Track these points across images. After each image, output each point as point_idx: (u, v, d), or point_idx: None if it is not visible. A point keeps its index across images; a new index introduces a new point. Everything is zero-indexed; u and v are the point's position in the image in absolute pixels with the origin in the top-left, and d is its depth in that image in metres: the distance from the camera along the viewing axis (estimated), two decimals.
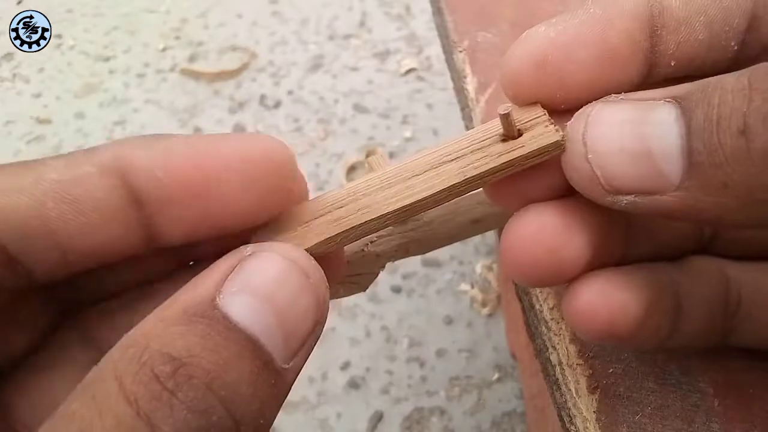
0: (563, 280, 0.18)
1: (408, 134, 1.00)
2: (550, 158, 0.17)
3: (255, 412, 0.13)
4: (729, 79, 0.14)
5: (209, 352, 0.13)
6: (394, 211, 0.17)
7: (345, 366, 0.76)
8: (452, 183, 0.17)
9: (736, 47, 0.17)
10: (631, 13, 0.17)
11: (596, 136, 0.16)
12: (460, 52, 0.33)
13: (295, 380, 0.15)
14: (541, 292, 0.24)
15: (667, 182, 0.15)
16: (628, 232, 0.18)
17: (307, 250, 0.16)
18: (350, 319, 0.79)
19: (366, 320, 0.79)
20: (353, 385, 0.75)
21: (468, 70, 0.32)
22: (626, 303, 0.17)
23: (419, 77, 1.08)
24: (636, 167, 0.15)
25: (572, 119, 0.17)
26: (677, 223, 0.19)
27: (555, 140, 0.17)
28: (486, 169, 0.17)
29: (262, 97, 1.06)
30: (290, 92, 1.07)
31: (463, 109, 0.32)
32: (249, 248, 0.15)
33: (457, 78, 0.33)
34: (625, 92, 0.17)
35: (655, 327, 0.18)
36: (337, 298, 0.22)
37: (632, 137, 0.15)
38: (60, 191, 0.15)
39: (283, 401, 0.15)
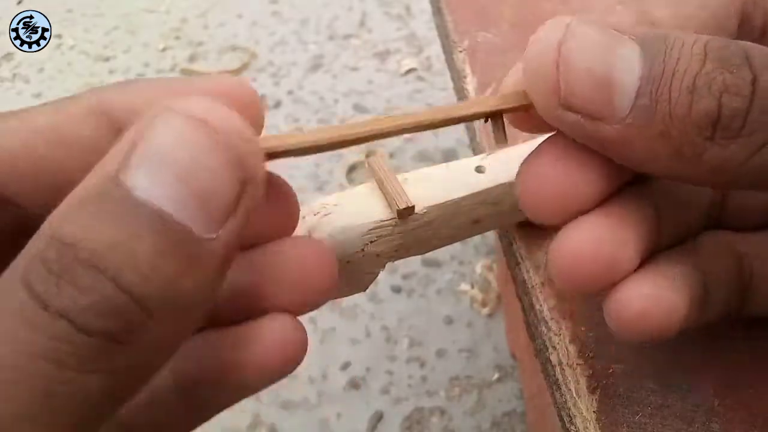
0: (613, 285, 0.18)
1: (408, 134, 1.00)
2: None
3: (163, 290, 0.13)
4: (688, 40, 0.16)
5: (99, 232, 0.12)
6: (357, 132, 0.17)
7: (345, 366, 0.76)
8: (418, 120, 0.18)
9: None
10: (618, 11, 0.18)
11: (571, 48, 0.16)
12: (460, 52, 0.33)
13: (234, 251, 0.14)
14: (541, 292, 0.24)
15: (615, 113, 0.16)
16: (660, 224, 0.19)
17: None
18: (350, 319, 0.79)
19: (366, 320, 0.79)
20: (353, 385, 0.75)
21: (468, 70, 0.32)
22: (675, 304, 0.18)
23: (419, 77, 1.08)
24: (594, 91, 0.16)
25: (548, 24, 0.17)
26: (697, 200, 0.20)
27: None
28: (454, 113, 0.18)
29: (262, 97, 1.06)
30: (290, 92, 1.07)
31: None
32: (149, 113, 0.13)
33: (457, 78, 0.33)
34: None
35: (692, 319, 0.19)
36: (337, 297, 0.22)
37: (601, 62, 0.16)
38: (49, 132, 0.16)
39: (221, 276, 0.14)
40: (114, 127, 0.16)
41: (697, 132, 0.15)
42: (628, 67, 0.16)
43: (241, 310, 0.17)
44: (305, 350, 0.18)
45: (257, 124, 0.16)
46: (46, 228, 0.13)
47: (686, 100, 0.15)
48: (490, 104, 0.18)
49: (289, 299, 0.17)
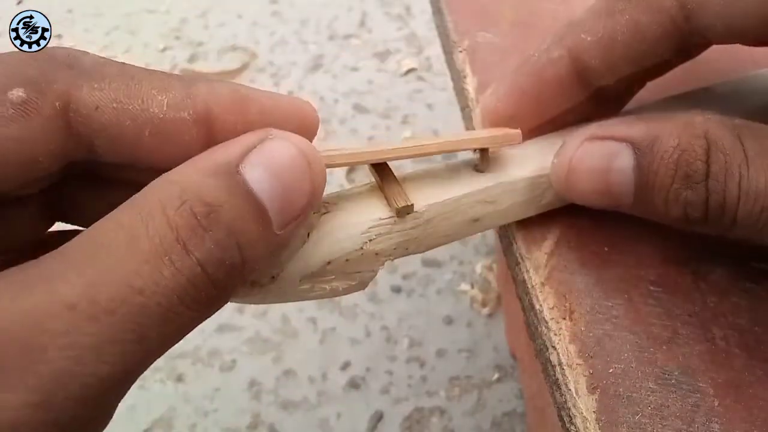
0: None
1: (408, 134, 1.00)
2: None
3: (255, 259, 0.17)
4: (668, 147, 0.20)
5: (231, 206, 0.16)
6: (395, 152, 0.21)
7: (345, 366, 0.76)
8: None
9: (668, 55, 0.22)
10: (557, 63, 0.23)
11: (575, 181, 0.22)
12: (460, 52, 0.33)
13: (283, 247, 0.19)
14: (541, 292, 0.24)
15: (624, 205, 0.22)
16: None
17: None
18: (350, 319, 0.79)
19: (366, 320, 0.79)
20: (353, 385, 0.75)
21: (468, 70, 0.32)
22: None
23: (419, 77, 1.08)
24: (603, 199, 0.22)
25: (557, 157, 0.23)
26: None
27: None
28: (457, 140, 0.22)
29: None
30: (290, 92, 1.07)
31: (463, 109, 0.32)
32: (272, 132, 0.18)
33: (457, 78, 0.33)
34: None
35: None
36: (336, 296, 0.22)
37: (600, 184, 0.22)
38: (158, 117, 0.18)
39: (267, 259, 0.18)
40: (199, 113, 0.18)
41: (679, 223, 0.21)
42: (624, 179, 0.21)
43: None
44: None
45: (314, 135, 0.21)
46: (178, 178, 0.16)
47: (663, 208, 0.21)
48: (483, 141, 0.23)
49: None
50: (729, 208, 0.20)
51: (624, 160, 0.21)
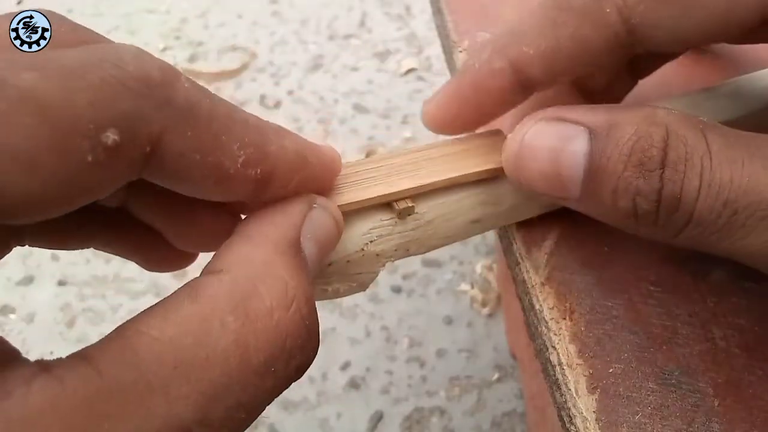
0: None
1: (408, 134, 1.00)
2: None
3: (302, 309, 0.17)
4: (624, 134, 0.19)
5: (300, 281, 0.17)
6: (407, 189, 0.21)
7: (345, 366, 0.76)
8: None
9: (610, 65, 0.22)
10: (498, 75, 0.22)
11: (526, 158, 0.21)
12: (460, 52, 0.33)
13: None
14: (541, 292, 0.24)
15: (570, 197, 0.21)
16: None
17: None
18: (350, 319, 0.79)
19: (366, 320, 0.79)
20: (353, 385, 0.75)
21: None
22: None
23: (419, 77, 1.08)
24: (550, 186, 0.21)
25: (511, 136, 0.22)
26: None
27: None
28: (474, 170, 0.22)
29: (262, 97, 1.06)
30: (290, 92, 1.07)
31: None
32: (317, 201, 0.19)
33: None
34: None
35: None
36: (337, 297, 0.22)
37: (551, 165, 0.20)
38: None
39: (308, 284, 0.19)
40: (265, 174, 0.19)
41: (624, 219, 0.20)
42: (574, 163, 0.20)
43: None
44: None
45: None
46: (277, 269, 0.17)
47: (610, 199, 0.20)
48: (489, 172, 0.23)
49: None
50: (686, 201, 0.18)
51: (578, 144, 0.20)
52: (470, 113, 0.23)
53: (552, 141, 0.20)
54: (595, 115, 0.20)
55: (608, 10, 0.21)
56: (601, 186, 0.20)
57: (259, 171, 0.18)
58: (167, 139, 0.15)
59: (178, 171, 0.16)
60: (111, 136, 0.14)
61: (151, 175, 0.16)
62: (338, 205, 0.20)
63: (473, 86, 0.23)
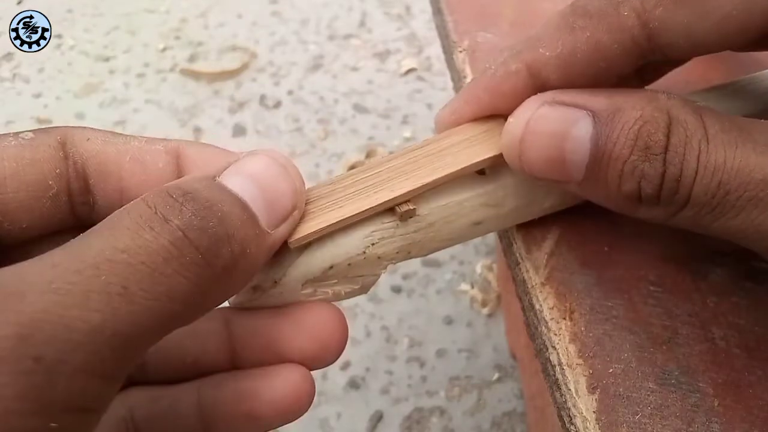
0: None
1: (408, 134, 1.00)
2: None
3: (244, 239, 0.18)
4: (630, 118, 0.20)
5: (209, 189, 0.18)
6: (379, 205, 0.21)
7: (345, 366, 0.76)
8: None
9: (627, 72, 0.22)
10: (514, 77, 0.22)
11: (529, 143, 0.21)
12: (460, 52, 0.33)
13: (276, 248, 0.20)
14: (541, 292, 0.24)
15: (572, 180, 0.21)
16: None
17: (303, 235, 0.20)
18: (350, 319, 0.79)
19: (366, 320, 0.79)
20: (353, 385, 0.75)
21: (468, 70, 0.32)
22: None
23: (419, 77, 1.08)
24: (553, 170, 0.21)
25: (511, 121, 0.21)
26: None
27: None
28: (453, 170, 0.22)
29: (262, 97, 1.06)
30: (290, 92, 1.07)
31: None
32: (244, 153, 0.20)
33: (457, 78, 0.33)
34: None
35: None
36: (338, 300, 0.22)
37: (555, 150, 0.21)
38: (13, 177, 0.20)
39: (265, 258, 0.19)
40: (170, 147, 0.21)
41: (627, 201, 0.21)
42: (579, 148, 0.20)
43: (263, 354, 0.21)
44: (311, 401, 0.21)
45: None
46: (163, 188, 0.18)
47: (616, 182, 0.20)
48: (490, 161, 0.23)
49: (303, 355, 0.21)
50: (684, 183, 0.19)
51: (582, 128, 0.20)
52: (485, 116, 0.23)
53: (555, 125, 0.21)
54: (597, 98, 0.20)
55: (626, 14, 0.21)
56: (607, 170, 0.20)
57: (163, 145, 0.22)
58: (71, 133, 0.21)
59: (95, 155, 0.21)
60: (27, 134, 0.20)
61: (86, 176, 0.21)
62: (342, 219, 0.21)
63: (488, 89, 0.23)
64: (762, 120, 0.20)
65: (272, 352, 0.21)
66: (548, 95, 0.21)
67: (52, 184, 0.20)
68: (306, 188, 0.21)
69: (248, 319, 0.21)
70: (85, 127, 0.21)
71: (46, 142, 0.20)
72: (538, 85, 0.22)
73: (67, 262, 0.15)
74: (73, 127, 0.21)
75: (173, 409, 0.21)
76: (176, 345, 0.21)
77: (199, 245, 0.17)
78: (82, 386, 0.14)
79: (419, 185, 0.21)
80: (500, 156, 0.22)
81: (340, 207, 0.21)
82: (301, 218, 0.20)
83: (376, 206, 0.21)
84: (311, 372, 0.21)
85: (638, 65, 0.22)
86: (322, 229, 0.20)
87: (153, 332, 0.16)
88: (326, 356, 0.22)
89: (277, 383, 0.21)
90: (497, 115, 0.23)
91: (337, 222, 0.21)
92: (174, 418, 0.21)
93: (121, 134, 0.22)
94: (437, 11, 0.37)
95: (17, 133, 0.20)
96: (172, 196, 0.17)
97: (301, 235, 0.20)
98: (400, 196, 0.21)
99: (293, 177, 0.20)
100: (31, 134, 0.20)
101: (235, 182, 0.18)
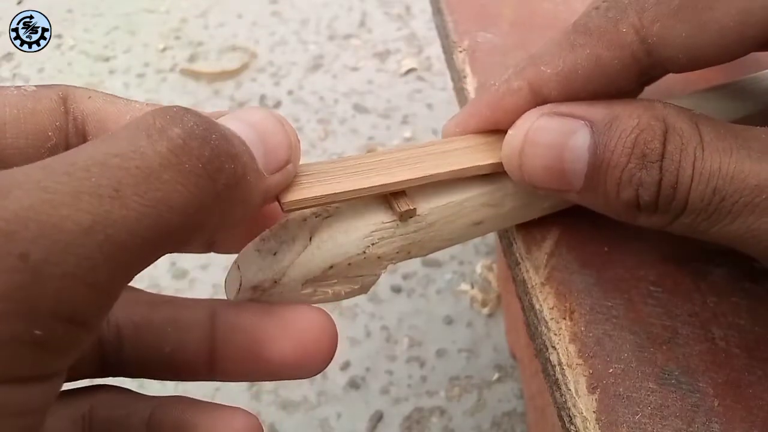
0: None
1: (408, 134, 1.00)
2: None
3: (246, 164, 0.17)
4: (627, 127, 0.20)
5: (211, 121, 0.17)
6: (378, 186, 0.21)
7: (345, 366, 0.76)
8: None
9: (627, 87, 0.22)
10: (516, 94, 0.23)
11: (529, 154, 0.22)
12: (460, 52, 0.33)
13: (270, 197, 0.19)
14: (541, 292, 0.24)
15: (572, 189, 0.21)
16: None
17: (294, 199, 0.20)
18: (350, 319, 0.79)
19: (366, 320, 0.79)
20: (353, 385, 0.75)
21: (468, 70, 0.32)
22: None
23: (419, 77, 1.08)
24: (552, 179, 0.22)
25: (513, 129, 0.22)
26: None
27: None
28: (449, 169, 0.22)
29: (262, 97, 1.06)
30: (290, 92, 1.07)
31: None
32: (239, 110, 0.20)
33: (457, 78, 0.33)
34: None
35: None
36: (338, 300, 0.22)
37: (554, 160, 0.21)
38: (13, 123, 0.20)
39: (260, 201, 0.19)
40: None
41: (626, 209, 0.21)
42: (578, 157, 0.21)
43: (242, 354, 0.21)
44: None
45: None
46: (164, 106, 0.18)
47: (614, 190, 0.20)
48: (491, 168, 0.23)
49: (284, 361, 0.20)
50: (681, 190, 0.20)
51: (580, 138, 0.21)
52: (488, 131, 0.24)
53: (554, 136, 0.21)
54: (595, 109, 0.21)
55: (624, 30, 0.21)
56: (605, 178, 0.20)
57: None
58: (73, 90, 0.21)
59: (96, 111, 0.21)
60: (30, 87, 0.20)
61: (85, 133, 0.21)
62: (339, 192, 0.20)
63: (490, 105, 0.23)
64: (757, 127, 0.20)
65: (252, 352, 0.20)
66: (547, 107, 0.22)
67: (52, 135, 0.20)
68: (306, 162, 0.21)
69: (234, 314, 0.21)
70: (87, 88, 0.21)
71: (48, 95, 0.20)
72: (540, 102, 0.22)
73: (56, 164, 0.14)
74: (75, 86, 0.21)
75: (126, 419, 0.20)
76: (157, 330, 0.21)
77: (200, 154, 0.16)
78: (72, 292, 0.14)
79: (419, 176, 0.22)
80: (501, 164, 0.23)
81: (338, 182, 0.21)
82: (299, 186, 0.20)
83: (373, 187, 0.21)
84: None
85: (639, 81, 0.22)
86: (316, 197, 0.20)
87: (147, 244, 0.15)
88: (309, 365, 0.21)
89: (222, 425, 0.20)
90: (500, 131, 0.24)
91: (332, 194, 0.20)
92: (124, 429, 0.20)
93: (122, 98, 0.22)
94: (437, 11, 0.37)
95: (20, 86, 0.20)
96: (173, 109, 0.17)
97: (295, 198, 0.20)
98: (398, 182, 0.21)
99: (289, 132, 0.20)
100: (33, 87, 0.20)
101: (234, 125, 0.18)
